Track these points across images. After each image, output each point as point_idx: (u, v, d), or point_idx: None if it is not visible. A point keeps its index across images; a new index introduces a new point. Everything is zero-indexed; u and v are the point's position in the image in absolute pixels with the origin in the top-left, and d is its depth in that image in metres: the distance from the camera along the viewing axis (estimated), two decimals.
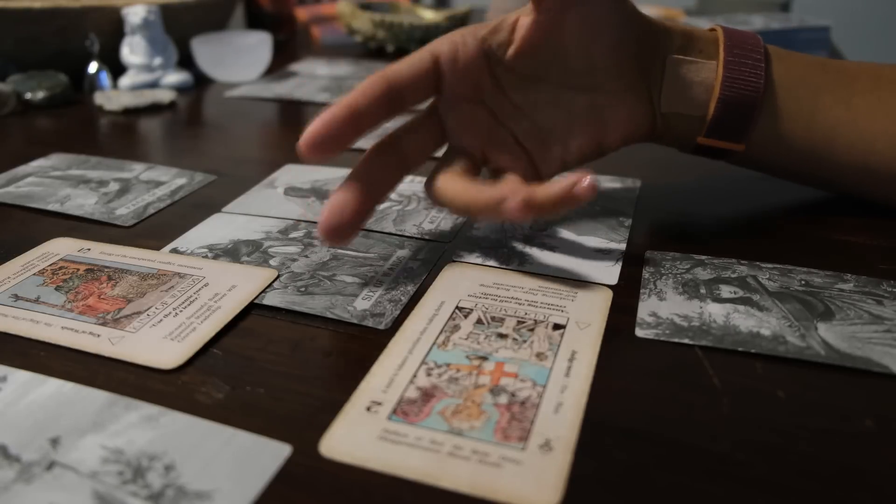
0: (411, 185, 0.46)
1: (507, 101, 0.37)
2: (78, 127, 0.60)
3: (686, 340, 0.29)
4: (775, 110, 0.38)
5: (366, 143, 0.55)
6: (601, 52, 0.36)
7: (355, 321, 0.31)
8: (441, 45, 0.35)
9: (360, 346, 0.29)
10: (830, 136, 0.38)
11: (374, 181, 0.34)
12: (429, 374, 0.27)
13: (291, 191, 0.45)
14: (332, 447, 0.24)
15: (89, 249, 0.37)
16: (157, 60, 0.70)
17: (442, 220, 0.41)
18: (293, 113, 0.66)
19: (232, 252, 0.37)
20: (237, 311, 0.31)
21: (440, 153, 0.37)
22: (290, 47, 0.96)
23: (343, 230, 0.32)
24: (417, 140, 0.36)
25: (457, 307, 0.32)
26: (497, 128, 0.37)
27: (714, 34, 0.38)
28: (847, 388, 0.27)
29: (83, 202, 0.43)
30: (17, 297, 0.33)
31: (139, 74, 0.70)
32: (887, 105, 0.38)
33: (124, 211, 0.42)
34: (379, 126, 0.34)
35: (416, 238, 0.39)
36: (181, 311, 0.31)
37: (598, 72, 0.36)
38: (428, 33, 0.88)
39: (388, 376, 0.27)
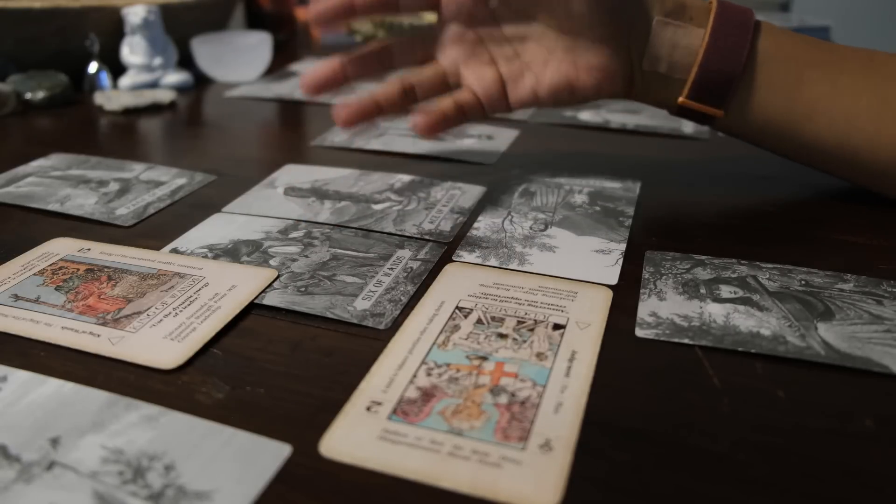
0: (410, 185, 0.46)
1: (498, 30, 0.42)
2: (78, 127, 0.60)
3: (686, 340, 0.29)
4: (758, 81, 0.40)
5: (363, 143, 0.55)
6: (578, 3, 0.39)
7: (355, 321, 0.31)
8: None
9: (360, 346, 0.29)
10: (811, 110, 0.39)
11: (361, 65, 0.43)
12: (429, 374, 0.27)
13: (291, 191, 0.45)
14: (332, 447, 0.24)
15: (89, 249, 0.37)
16: (157, 60, 0.70)
17: (442, 220, 0.41)
18: (293, 113, 0.66)
19: (232, 252, 0.37)
20: (237, 311, 0.31)
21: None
22: (290, 47, 0.96)
23: (316, 83, 0.42)
24: (409, 44, 0.44)
25: (457, 307, 0.32)
26: (481, 50, 0.42)
27: (709, 4, 0.40)
28: (847, 388, 0.27)
29: (83, 202, 0.43)
30: (17, 297, 0.33)
31: (139, 74, 0.70)
32: (873, 84, 0.39)
33: (124, 211, 0.42)
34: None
35: (416, 238, 0.39)
36: (181, 311, 0.31)
37: (575, 19, 0.40)
38: None
39: (388, 376, 0.27)
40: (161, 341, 0.29)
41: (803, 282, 0.34)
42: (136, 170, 0.49)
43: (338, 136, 0.56)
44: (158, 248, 0.38)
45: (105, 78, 0.69)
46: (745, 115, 0.41)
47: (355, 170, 0.48)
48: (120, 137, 0.58)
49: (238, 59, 0.75)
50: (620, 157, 0.52)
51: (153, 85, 0.71)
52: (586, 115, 0.62)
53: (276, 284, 0.34)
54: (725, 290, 0.33)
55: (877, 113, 0.38)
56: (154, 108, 0.65)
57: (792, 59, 0.39)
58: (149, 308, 0.32)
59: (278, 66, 0.82)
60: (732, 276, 0.34)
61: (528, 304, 0.32)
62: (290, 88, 0.72)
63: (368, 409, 0.25)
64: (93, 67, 0.68)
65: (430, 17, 0.93)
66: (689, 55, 0.39)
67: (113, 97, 0.65)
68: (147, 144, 0.57)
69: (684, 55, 0.40)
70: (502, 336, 0.30)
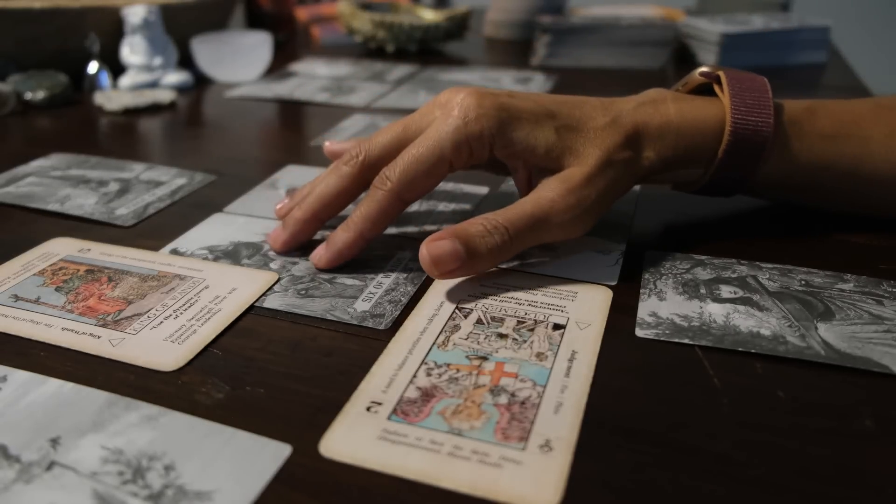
0: None
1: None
2: (78, 127, 0.60)
3: (686, 340, 0.29)
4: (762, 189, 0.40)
5: None
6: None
7: (355, 322, 0.31)
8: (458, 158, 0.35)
9: (360, 346, 0.29)
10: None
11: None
12: (429, 374, 0.27)
13: (293, 192, 0.45)
14: (332, 447, 0.24)
15: (89, 250, 0.37)
16: (157, 60, 0.70)
17: (445, 222, 0.41)
18: (293, 113, 0.66)
19: (232, 254, 0.37)
20: (237, 314, 0.31)
21: None
22: (290, 47, 0.96)
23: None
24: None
25: (457, 307, 0.32)
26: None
27: (718, 144, 0.36)
28: (847, 388, 0.27)
29: (83, 202, 0.43)
30: (17, 298, 0.33)
31: (139, 74, 0.70)
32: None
33: (124, 211, 0.42)
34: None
35: (417, 238, 0.39)
36: (181, 314, 0.31)
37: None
38: (428, 33, 0.88)
39: (388, 376, 0.27)
40: (161, 343, 0.29)
41: (803, 282, 0.34)
42: (136, 170, 0.49)
43: (338, 137, 0.56)
44: (158, 249, 0.38)
45: (105, 78, 0.69)
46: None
47: None
48: (120, 137, 0.58)
49: (238, 59, 0.75)
50: None
51: (153, 85, 0.71)
52: None
53: (276, 287, 0.34)
54: (725, 290, 0.33)
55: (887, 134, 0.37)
56: (154, 108, 0.65)
57: (796, 184, 0.39)
58: (149, 310, 0.32)
59: (278, 66, 0.82)
60: (732, 276, 0.34)
61: (528, 304, 0.32)
62: (290, 88, 0.72)
63: (368, 409, 0.25)
64: (93, 67, 0.68)
65: (429, 17, 0.93)
66: (692, 178, 0.39)
67: (113, 97, 0.65)
68: (147, 144, 0.57)
69: (686, 177, 0.39)
70: (502, 336, 0.30)
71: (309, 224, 0.37)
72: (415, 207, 0.42)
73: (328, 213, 0.37)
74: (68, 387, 0.27)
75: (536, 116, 0.35)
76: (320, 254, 0.35)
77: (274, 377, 0.27)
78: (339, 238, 0.35)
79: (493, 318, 0.31)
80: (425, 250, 0.32)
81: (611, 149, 0.35)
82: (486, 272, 0.35)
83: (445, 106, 0.35)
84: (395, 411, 0.25)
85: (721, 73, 0.37)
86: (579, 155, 0.35)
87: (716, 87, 0.37)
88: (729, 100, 0.36)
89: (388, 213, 0.35)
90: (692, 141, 0.36)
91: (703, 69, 0.38)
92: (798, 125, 0.37)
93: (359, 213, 0.35)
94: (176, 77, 0.72)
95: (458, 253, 0.32)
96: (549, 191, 0.34)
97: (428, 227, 0.40)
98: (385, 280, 0.34)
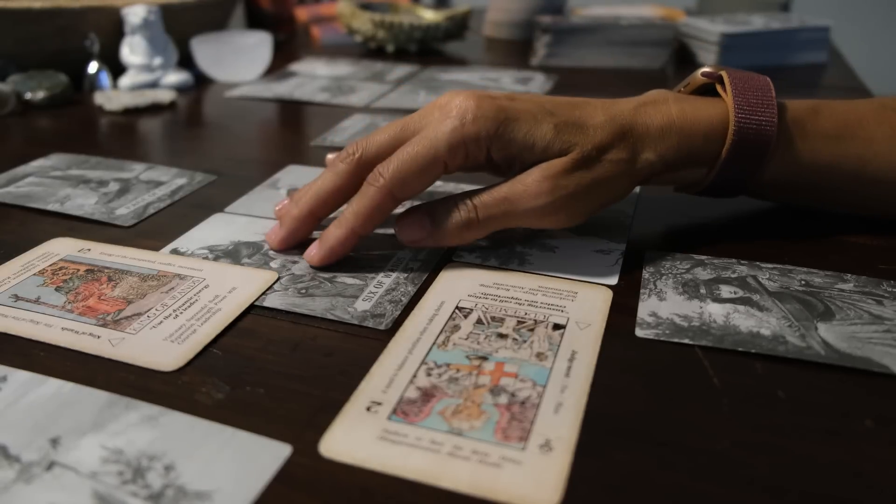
0: None
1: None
2: (78, 127, 0.60)
3: (686, 340, 0.29)
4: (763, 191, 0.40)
5: None
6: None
7: (356, 322, 0.31)
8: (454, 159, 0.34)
9: (360, 346, 0.29)
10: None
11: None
12: (429, 374, 0.27)
13: (294, 192, 0.45)
14: (332, 447, 0.24)
15: (89, 250, 0.37)
16: (157, 60, 0.70)
17: None
18: (293, 113, 0.66)
19: (232, 253, 0.37)
20: (237, 313, 0.31)
21: None
22: (290, 47, 0.96)
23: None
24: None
25: (457, 307, 0.32)
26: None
27: (721, 144, 0.36)
28: (847, 388, 0.27)
29: (83, 202, 0.43)
30: (17, 298, 0.33)
31: (139, 74, 0.70)
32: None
33: (124, 211, 0.42)
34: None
35: None
36: (181, 313, 0.31)
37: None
38: (428, 33, 0.88)
39: (388, 376, 0.27)
40: (161, 343, 0.29)
41: (803, 282, 0.34)
42: (136, 170, 0.49)
43: (338, 136, 0.56)
44: (158, 249, 0.38)
45: (105, 78, 0.69)
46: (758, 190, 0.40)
47: None
48: (120, 137, 0.58)
49: (238, 59, 0.75)
50: None
51: (153, 85, 0.71)
52: None
53: (276, 286, 0.34)
54: (725, 290, 0.33)
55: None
56: (154, 108, 0.65)
57: (799, 187, 0.39)
58: (149, 309, 0.32)
59: (278, 66, 0.82)
60: (732, 276, 0.34)
61: (528, 304, 0.32)
62: (290, 88, 0.72)
63: (368, 409, 0.25)
64: (93, 67, 0.68)
65: (429, 17, 0.93)
66: (694, 179, 0.38)
67: (113, 97, 0.65)
68: (147, 144, 0.57)
69: (687, 179, 0.39)
70: (502, 336, 0.30)
71: (305, 221, 0.36)
72: None
73: (324, 211, 0.37)
74: (68, 387, 0.27)
75: (535, 115, 0.35)
76: (313, 252, 0.35)
77: (274, 377, 0.27)
78: (332, 235, 0.35)
79: (493, 318, 0.31)
80: (398, 222, 0.35)
81: (605, 146, 0.35)
82: (487, 272, 0.35)
83: (444, 108, 0.34)
84: (395, 411, 0.25)
85: (724, 73, 0.37)
86: (573, 149, 0.34)
87: (718, 88, 0.37)
88: (732, 99, 0.36)
89: (380, 210, 0.34)
90: (694, 141, 0.36)
91: (705, 69, 0.38)
92: (801, 125, 0.37)
93: (351, 210, 0.35)
94: (176, 77, 0.71)
95: (425, 225, 0.35)
96: (527, 175, 0.34)
97: None
98: (385, 280, 0.34)
